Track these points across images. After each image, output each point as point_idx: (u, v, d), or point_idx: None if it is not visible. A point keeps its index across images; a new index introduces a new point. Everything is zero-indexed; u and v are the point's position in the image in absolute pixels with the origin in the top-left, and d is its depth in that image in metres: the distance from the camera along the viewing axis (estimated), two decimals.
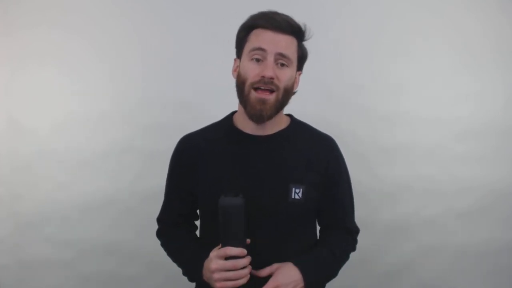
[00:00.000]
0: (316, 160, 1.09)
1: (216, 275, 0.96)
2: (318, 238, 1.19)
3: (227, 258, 0.96)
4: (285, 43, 1.03)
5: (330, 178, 1.11)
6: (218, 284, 0.96)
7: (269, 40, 1.01)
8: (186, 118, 1.92)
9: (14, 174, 1.95)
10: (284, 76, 1.02)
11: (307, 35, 1.09)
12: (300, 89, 1.97)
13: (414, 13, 1.95)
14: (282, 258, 1.05)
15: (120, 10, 1.93)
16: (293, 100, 1.77)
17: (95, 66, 1.93)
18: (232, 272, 0.95)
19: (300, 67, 1.11)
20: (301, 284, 1.02)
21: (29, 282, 1.98)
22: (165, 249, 1.20)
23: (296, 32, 1.05)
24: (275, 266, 1.03)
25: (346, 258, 1.16)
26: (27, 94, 1.94)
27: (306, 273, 1.03)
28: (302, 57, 1.09)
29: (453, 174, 2.00)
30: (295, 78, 1.09)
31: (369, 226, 2.00)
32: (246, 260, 0.96)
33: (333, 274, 1.13)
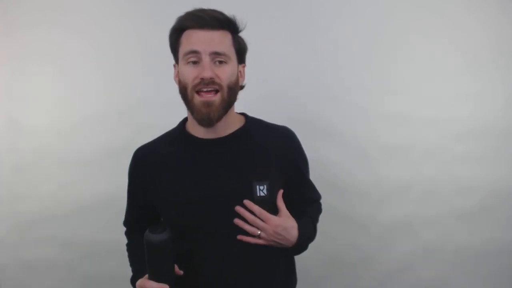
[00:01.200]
0: (276, 153, 1.08)
1: None
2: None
3: None
4: (218, 40, 0.99)
5: (293, 166, 1.12)
6: None
7: (200, 41, 0.97)
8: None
9: (14, 174, 1.95)
10: (224, 73, 0.99)
11: (240, 26, 1.05)
12: (300, 89, 1.98)
13: (414, 13, 1.95)
14: (256, 258, 1.07)
15: (120, 10, 1.93)
16: (293, 100, 1.78)
17: (95, 66, 1.93)
18: None
19: (241, 60, 1.07)
20: (295, 233, 1.06)
21: (29, 282, 1.98)
22: (127, 247, 1.26)
23: (228, 25, 1.01)
24: (285, 211, 1.07)
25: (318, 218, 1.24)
26: (27, 94, 1.94)
27: (300, 228, 1.08)
28: (240, 49, 1.05)
29: (453, 174, 2.00)
30: (239, 72, 1.06)
31: (369, 226, 2.00)
32: None
33: (313, 237, 1.18)
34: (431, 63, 1.97)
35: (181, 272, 1.03)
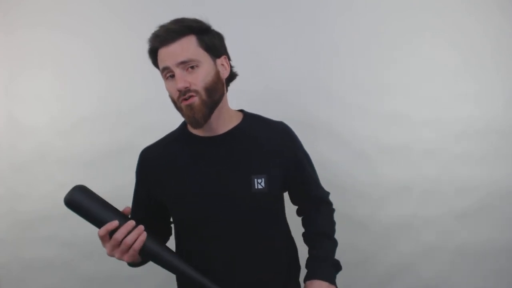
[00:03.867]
0: (273, 148, 1.13)
1: (115, 256, 1.01)
2: (302, 220, 1.29)
3: (111, 234, 0.99)
4: (180, 49, 1.03)
5: (292, 160, 1.16)
6: (125, 258, 1.01)
7: (166, 56, 1.03)
8: None
9: (14, 173, 1.95)
10: (197, 77, 1.03)
11: (203, 25, 1.08)
12: (300, 89, 1.98)
13: (414, 13, 1.95)
14: (254, 253, 1.10)
15: (120, 10, 1.93)
16: (293, 100, 1.78)
17: (94, 66, 1.93)
18: (121, 246, 0.99)
19: (217, 54, 1.09)
20: (325, 285, 1.12)
21: (29, 282, 1.98)
22: None
23: (187, 30, 1.05)
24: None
25: (334, 226, 1.28)
26: (27, 94, 1.94)
27: (328, 277, 1.14)
28: (211, 46, 1.07)
29: (453, 174, 2.00)
30: (221, 65, 1.09)
31: (369, 226, 2.00)
32: (125, 228, 0.99)
33: (334, 249, 1.24)
34: (431, 63, 1.97)
35: (128, 209, 1.05)
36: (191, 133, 1.15)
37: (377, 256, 1.99)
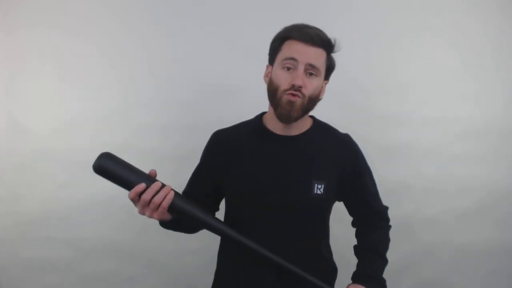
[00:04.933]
0: (336, 157, 1.20)
1: (146, 214, 1.05)
2: (356, 232, 1.33)
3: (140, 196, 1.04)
4: (315, 55, 1.11)
5: (352, 170, 1.22)
6: (155, 216, 1.06)
7: (301, 51, 1.10)
8: (186, 118, 1.92)
9: (14, 174, 1.94)
10: (311, 85, 1.12)
11: (336, 48, 1.18)
12: None
13: (414, 13, 1.95)
14: (303, 251, 1.16)
15: (120, 10, 1.93)
16: None
17: (94, 67, 1.93)
18: (150, 205, 1.03)
19: (327, 77, 1.20)
20: None
21: (29, 282, 1.98)
22: None
23: (326, 45, 1.14)
24: None
25: (388, 244, 1.33)
26: (27, 94, 1.94)
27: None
28: (329, 68, 1.19)
29: (453, 174, 2.00)
30: (322, 87, 1.18)
31: None
32: (152, 189, 1.03)
33: (384, 267, 1.27)
34: (432, 63, 1.97)
35: (154, 171, 1.09)
36: (267, 128, 1.20)
37: None
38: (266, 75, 1.19)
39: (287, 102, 1.10)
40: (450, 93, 1.98)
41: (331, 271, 1.28)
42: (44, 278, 1.97)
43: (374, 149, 1.97)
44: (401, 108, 1.97)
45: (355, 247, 1.31)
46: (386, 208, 1.34)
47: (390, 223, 1.35)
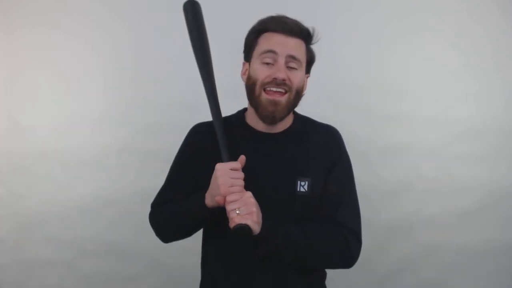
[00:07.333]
0: (320, 152, 1.12)
1: (221, 179, 0.96)
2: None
3: None
4: (295, 46, 1.05)
5: (331, 166, 1.10)
6: (222, 188, 0.96)
7: (279, 43, 1.04)
8: (186, 118, 1.91)
9: (14, 174, 1.95)
10: (296, 77, 1.04)
11: (314, 38, 1.11)
12: None
13: (414, 14, 1.95)
14: None
15: (120, 11, 1.93)
16: None
17: (94, 67, 1.93)
18: (233, 179, 0.97)
19: (308, 70, 1.13)
20: (259, 220, 0.97)
21: (29, 282, 1.98)
22: (158, 217, 1.16)
23: (305, 35, 1.08)
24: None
25: (326, 246, 1.04)
26: (27, 94, 1.94)
27: (268, 225, 0.98)
28: (310, 60, 1.12)
29: (453, 174, 2.00)
30: (304, 81, 1.11)
31: (370, 226, 1.99)
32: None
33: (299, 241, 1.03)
34: (431, 63, 1.97)
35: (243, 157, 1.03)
36: (248, 125, 1.13)
37: (377, 256, 1.99)
38: (243, 73, 1.12)
39: (269, 102, 1.02)
40: (450, 93, 1.98)
41: (319, 276, 1.16)
42: (44, 278, 1.97)
43: (374, 149, 1.98)
44: (401, 108, 1.97)
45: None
46: (356, 229, 1.08)
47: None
